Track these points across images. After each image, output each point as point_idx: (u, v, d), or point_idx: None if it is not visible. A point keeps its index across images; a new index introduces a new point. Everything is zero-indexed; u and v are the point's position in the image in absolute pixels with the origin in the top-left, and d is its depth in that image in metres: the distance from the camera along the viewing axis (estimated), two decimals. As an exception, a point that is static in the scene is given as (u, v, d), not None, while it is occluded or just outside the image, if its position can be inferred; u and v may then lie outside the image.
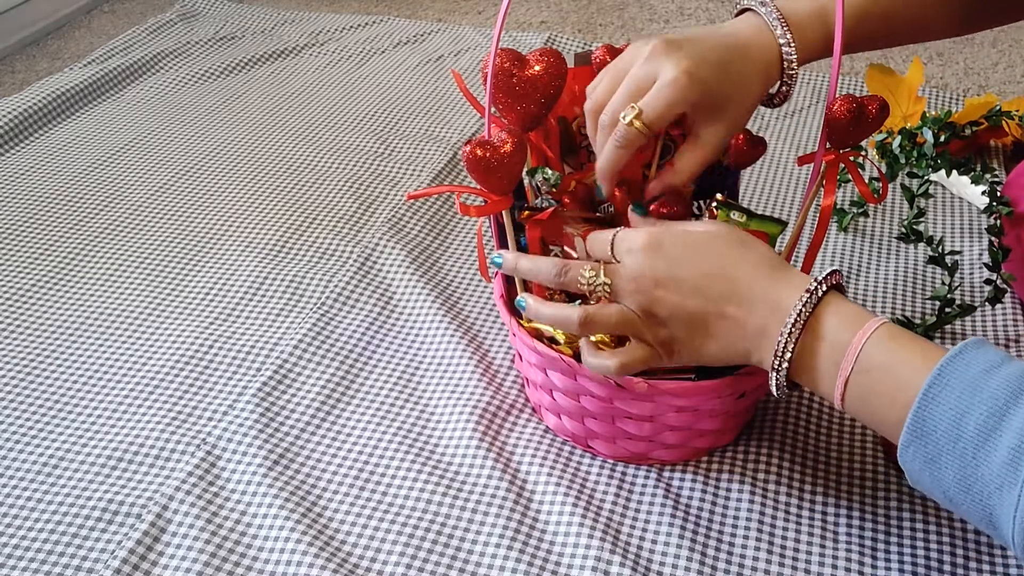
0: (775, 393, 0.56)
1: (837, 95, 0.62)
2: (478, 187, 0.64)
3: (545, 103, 0.66)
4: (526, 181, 0.69)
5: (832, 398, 0.54)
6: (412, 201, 1.00)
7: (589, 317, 0.58)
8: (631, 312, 0.58)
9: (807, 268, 0.69)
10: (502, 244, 0.68)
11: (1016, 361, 0.48)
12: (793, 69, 0.63)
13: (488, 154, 0.61)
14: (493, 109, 0.66)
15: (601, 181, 0.65)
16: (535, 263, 0.62)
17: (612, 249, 0.60)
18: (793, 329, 0.53)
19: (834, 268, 0.57)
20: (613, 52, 0.69)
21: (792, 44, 0.62)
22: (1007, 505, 0.45)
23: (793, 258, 0.90)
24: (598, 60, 0.70)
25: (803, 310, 0.53)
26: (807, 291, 0.54)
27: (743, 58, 0.62)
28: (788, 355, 0.54)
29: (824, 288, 0.54)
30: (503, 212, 0.65)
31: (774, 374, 0.55)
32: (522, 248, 0.67)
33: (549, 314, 0.61)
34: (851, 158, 0.65)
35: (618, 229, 0.61)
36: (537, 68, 0.65)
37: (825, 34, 0.63)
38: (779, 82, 0.64)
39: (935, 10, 0.69)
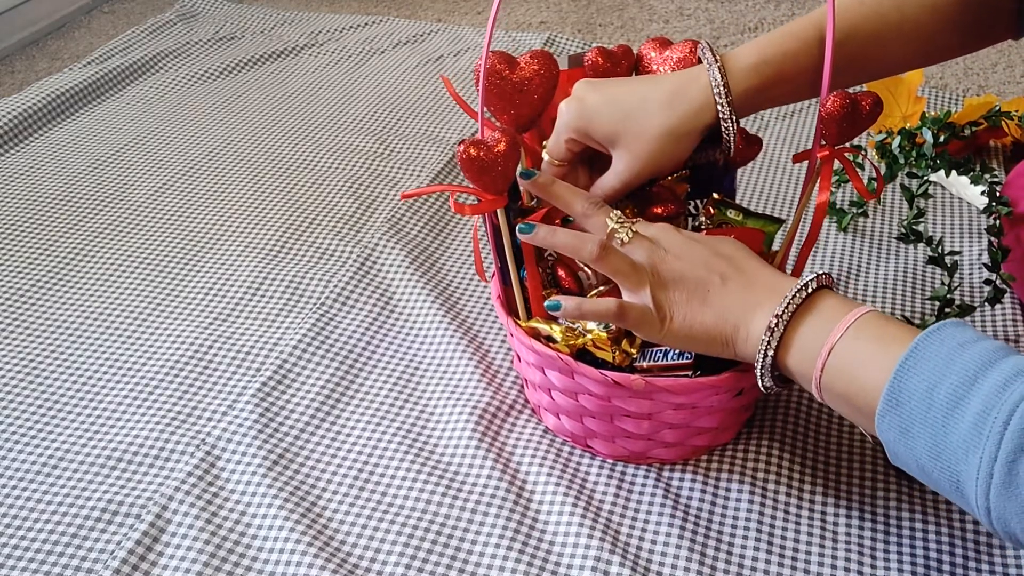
0: (759, 377, 0.57)
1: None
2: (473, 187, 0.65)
3: (537, 105, 0.66)
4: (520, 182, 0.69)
5: (811, 372, 0.54)
6: (411, 201, 1.00)
7: (607, 247, 0.59)
8: (642, 265, 0.59)
9: (802, 263, 0.69)
10: (497, 244, 0.68)
11: (992, 339, 0.50)
12: (727, 114, 0.62)
13: (481, 153, 0.61)
14: (486, 112, 0.66)
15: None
16: (570, 190, 0.63)
17: (633, 226, 0.62)
18: (792, 302, 0.55)
19: (826, 271, 0.58)
20: (606, 54, 0.69)
21: (722, 83, 0.62)
22: (971, 467, 0.45)
23: (790, 256, 0.90)
24: (590, 62, 0.70)
25: (802, 289, 0.56)
26: (803, 280, 0.56)
27: (645, 94, 0.63)
28: (783, 323, 0.55)
29: (817, 285, 0.56)
30: (497, 212, 0.65)
31: (764, 346, 0.56)
32: (516, 249, 0.67)
33: (565, 236, 0.61)
34: (848, 155, 0.65)
35: (638, 219, 0.63)
36: (527, 71, 0.65)
37: (759, 84, 0.63)
38: (721, 129, 0.63)
39: (929, 33, 0.68)
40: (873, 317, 0.54)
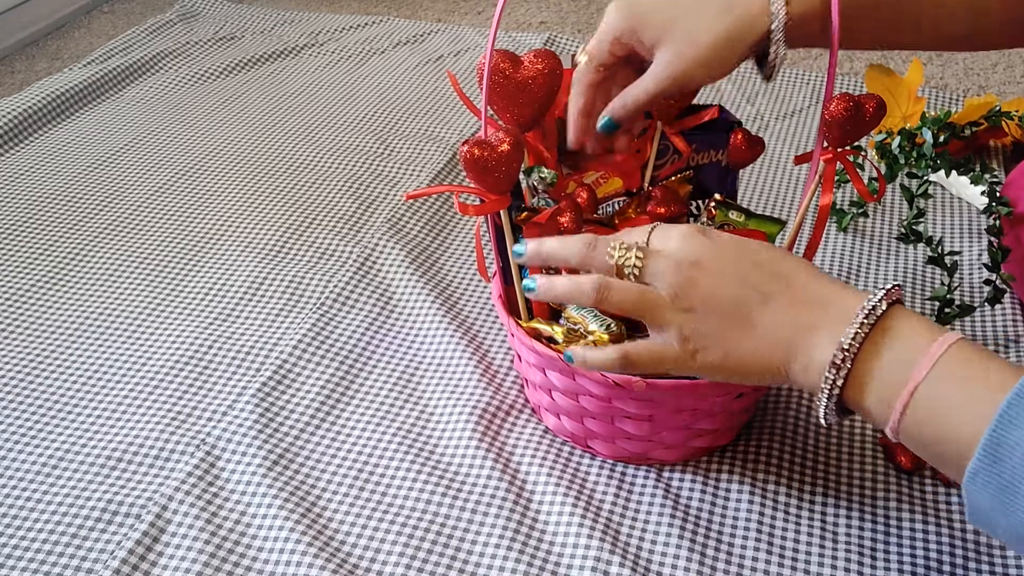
0: (822, 415, 0.49)
1: (834, 94, 0.62)
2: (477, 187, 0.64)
3: (540, 104, 0.66)
4: (522, 181, 0.69)
5: (888, 413, 0.46)
6: (412, 201, 1.00)
7: (606, 284, 0.52)
8: (656, 293, 0.51)
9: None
10: (499, 244, 0.68)
11: None
12: (779, 28, 0.58)
13: (485, 153, 0.61)
14: (489, 110, 0.66)
15: (568, 124, 0.65)
16: (562, 241, 0.56)
17: (649, 239, 0.54)
18: (860, 331, 0.47)
19: (897, 283, 0.52)
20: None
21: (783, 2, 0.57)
22: None
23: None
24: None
25: (871, 314, 0.47)
26: (874, 294, 0.48)
27: None
28: (851, 356, 0.47)
29: (891, 299, 0.48)
30: (500, 212, 0.65)
31: (828, 384, 0.48)
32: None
33: (562, 285, 0.55)
34: (849, 157, 0.65)
35: (656, 223, 0.55)
36: (532, 70, 0.65)
37: (822, 9, 0.58)
38: (770, 44, 0.59)
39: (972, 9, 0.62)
40: (961, 348, 0.46)
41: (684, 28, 0.58)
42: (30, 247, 0.95)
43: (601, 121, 0.63)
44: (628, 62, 0.63)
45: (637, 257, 0.52)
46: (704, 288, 0.50)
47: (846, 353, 0.47)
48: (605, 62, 0.62)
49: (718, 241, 0.52)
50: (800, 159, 0.67)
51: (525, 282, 0.58)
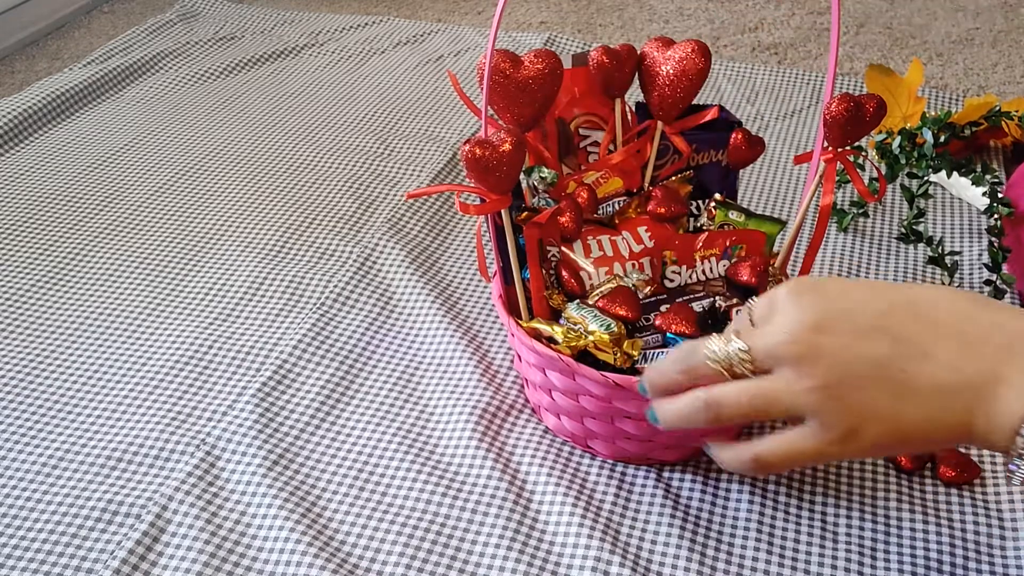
0: (1018, 482, 0.40)
1: (834, 94, 0.62)
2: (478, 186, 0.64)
3: (541, 104, 0.66)
4: (522, 181, 0.69)
5: None
6: (412, 201, 1.00)
7: (714, 402, 0.44)
8: (773, 382, 0.42)
9: (806, 267, 0.69)
10: (500, 244, 0.68)
11: None
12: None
13: (487, 153, 0.61)
14: (489, 110, 0.66)
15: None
16: (659, 362, 0.49)
17: (752, 316, 0.45)
18: None
19: None
20: (610, 53, 0.69)
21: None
22: None
23: (792, 258, 0.90)
24: (595, 61, 0.70)
25: None
26: None
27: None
28: None
29: None
30: (501, 212, 0.65)
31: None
32: (519, 249, 0.67)
33: (672, 413, 0.47)
34: (849, 157, 0.65)
35: (752, 299, 0.47)
36: (532, 70, 0.65)
37: None
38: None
39: None
40: None
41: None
42: (30, 247, 0.95)
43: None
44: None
45: (741, 350, 0.43)
46: (834, 354, 0.40)
47: None
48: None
49: (831, 290, 0.43)
50: (800, 159, 0.67)
51: (648, 412, 0.51)
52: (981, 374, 0.39)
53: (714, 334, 0.45)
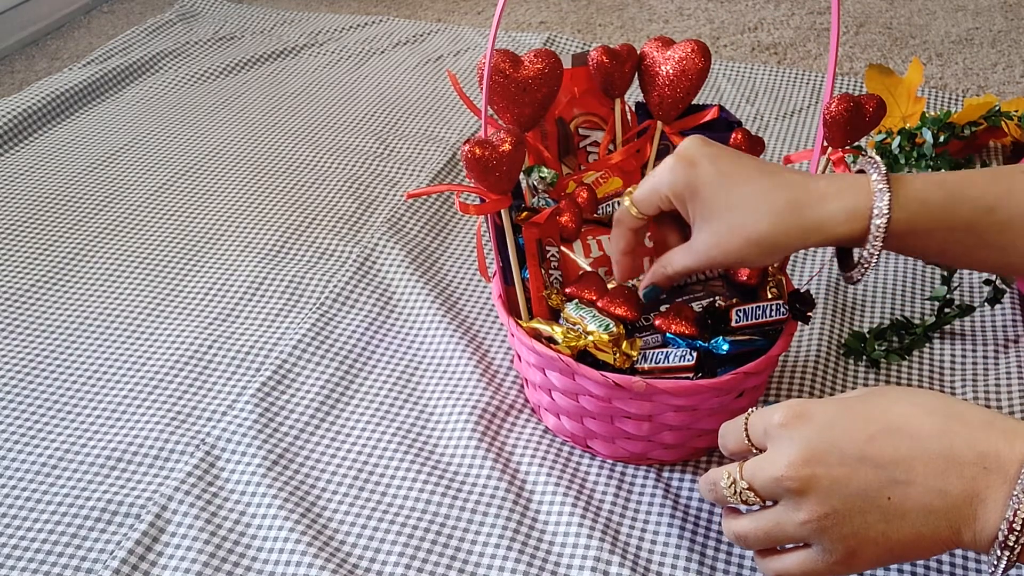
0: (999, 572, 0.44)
1: (834, 94, 0.62)
2: (478, 186, 0.65)
3: (540, 104, 0.66)
4: (522, 181, 0.69)
5: None
6: (411, 201, 1.00)
7: (742, 535, 0.50)
8: (779, 512, 0.48)
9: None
10: (500, 244, 0.68)
11: None
12: (877, 240, 0.52)
13: (487, 153, 0.61)
14: (489, 110, 0.66)
15: (614, 264, 0.64)
16: (703, 490, 0.54)
17: (747, 434, 0.51)
18: (1022, 498, 0.42)
19: None
20: (610, 53, 0.69)
21: (885, 219, 0.51)
22: None
23: (792, 258, 0.90)
24: (595, 61, 0.70)
25: None
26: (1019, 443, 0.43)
27: (763, 189, 0.54)
28: (1020, 529, 0.42)
29: None
30: (501, 212, 0.65)
31: (1004, 556, 0.43)
32: (519, 249, 0.67)
33: (739, 532, 0.52)
34: (848, 157, 0.65)
35: (750, 411, 0.52)
36: (532, 70, 0.65)
37: (948, 222, 0.52)
38: (863, 250, 0.54)
39: None
40: None
41: (731, 221, 0.55)
42: (30, 247, 0.95)
43: (644, 291, 0.63)
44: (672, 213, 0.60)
45: (743, 489, 0.49)
46: (825, 487, 0.45)
47: (1018, 533, 0.42)
48: (651, 214, 0.60)
49: (819, 420, 0.47)
50: (790, 159, 0.68)
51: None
52: (964, 494, 0.43)
53: (724, 468, 0.51)
